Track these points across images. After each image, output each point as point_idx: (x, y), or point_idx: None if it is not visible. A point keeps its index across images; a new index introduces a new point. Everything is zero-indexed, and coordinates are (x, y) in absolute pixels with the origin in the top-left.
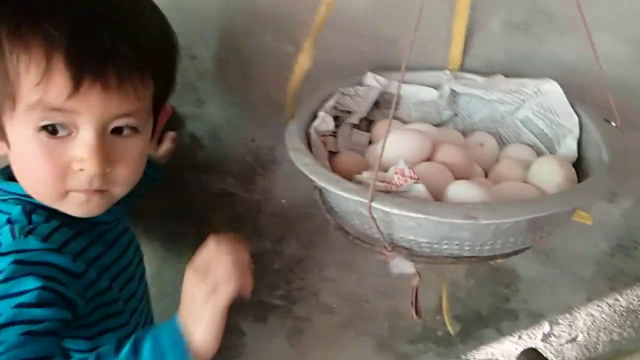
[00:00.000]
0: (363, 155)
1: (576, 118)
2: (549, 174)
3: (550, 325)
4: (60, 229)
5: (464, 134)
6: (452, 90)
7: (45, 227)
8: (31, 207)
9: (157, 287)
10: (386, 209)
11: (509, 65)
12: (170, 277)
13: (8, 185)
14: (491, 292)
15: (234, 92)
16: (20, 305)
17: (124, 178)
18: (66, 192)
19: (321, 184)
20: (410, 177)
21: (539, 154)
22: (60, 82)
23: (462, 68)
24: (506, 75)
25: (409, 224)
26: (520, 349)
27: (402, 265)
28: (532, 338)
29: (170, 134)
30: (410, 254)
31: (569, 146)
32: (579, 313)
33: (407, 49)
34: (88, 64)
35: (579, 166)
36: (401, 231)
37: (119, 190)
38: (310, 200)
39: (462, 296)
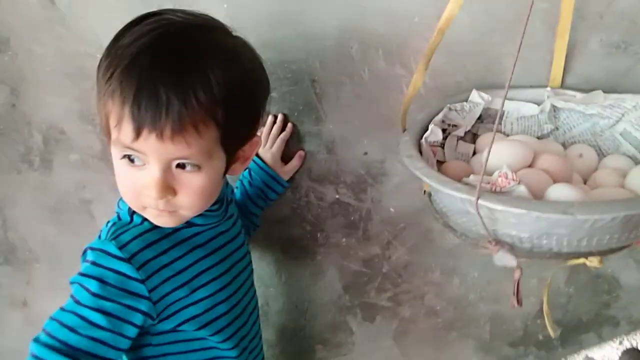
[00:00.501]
0: (468, 164)
1: None
2: None
3: None
4: (142, 236)
5: (564, 146)
6: (553, 106)
7: (127, 235)
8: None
9: (274, 288)
10: (490, 205)
11: (607, 83)
12: (285, 279)
13: None
14: (592, 298)
15: (349, 111)
16: (78, 302)
17: (188, 205)
18: (143, 207)
19: (433, 184)
20: (513, 180)
21: (638, 164)
22: (127, 129)
23: (563, 85)
24: (605, 92)
25: (512, 220)
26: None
27: (505, 259)
28: (634, 344)
29: (300, 153)
30: (513, 248)
31: None
32: None
33: (510, 68)
34: (145, 118)
35: None
36: (504, 227)
37: (187, 213)
38: (416, 209)
39: (562, 302)
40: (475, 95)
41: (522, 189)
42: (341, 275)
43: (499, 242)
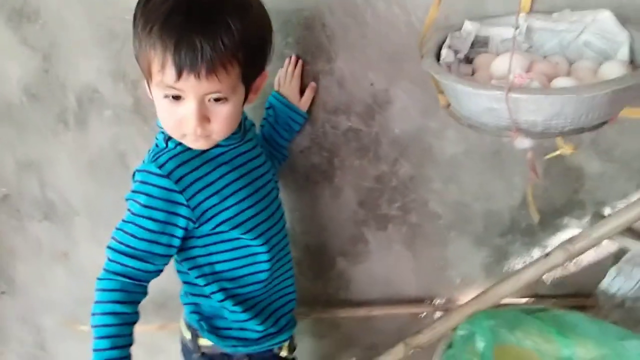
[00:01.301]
0: None
1: (627, 33)
2: (614, 72)
3: (611, 210)
4: (176, 157)
5: None
6: (528, 27)
7: (164, 157)
8: (168, 136)
9: (298, 211)
10: (519, 95)
11: (567, 6)
12: (308, 201)
13: (159, 122)
14: (563, 187)
15: (356, 49)
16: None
17: (218, 129)
18: (183, 135)
19: (470, 89)
20: (528, 78)
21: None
22: (170, 72)
23: (532, 11)
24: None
25: (531, 107)
26: None
27: (524, 142)
28: None
29: (312, 85)
30: (529, 133)
31: (623, 53)
32: (633, 198)
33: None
34: (185, 63)
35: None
36: (525, 114)
37: (217, 137)
38: (418, 129)
39: (540, 193)
40: (467, 25)
41: (536, 83)
42: (356, 193)
43: (518, 129)
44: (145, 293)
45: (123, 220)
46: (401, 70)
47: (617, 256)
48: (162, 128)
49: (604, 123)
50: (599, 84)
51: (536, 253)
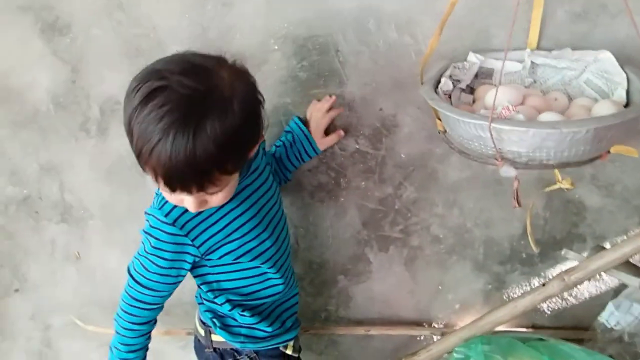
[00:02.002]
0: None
1: (624, 75)
2: (605, 110)
3: (611, 245)
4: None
5: (542, 94)
6: (532, 63)
7: (169, 205)
8: None
9: (302, 228)
10: (501, 126)
11: (572, 44)
12: (313, 219)
13: None
14: (564, 220)
15: (367, 75)
16: (145, 251)
17: (217, 204)
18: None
19: (455, 116)
20: (513, 110)
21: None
22: (165, 189)
23: (538, 47)
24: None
25: (514, 138)
26: None
27: (508, 171)
28: None
29: (339, 132)
30: (514, 162)
31: (619, 94)
32: (632, 233)
33: (496, 35)
34: (176, 185)
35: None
36: (508, 145)
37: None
38: (423, 154)
39: (541, 224)
40: (472, 56)
41: (520, 116)
42: (360, 213)
43: (504, 158)
44: (160, 309)
45: (139, 253)
46: (409, 96)
47: (617, 291)
48: None
49: (595, 158)
50: (581, 120)
51: (535, 283)
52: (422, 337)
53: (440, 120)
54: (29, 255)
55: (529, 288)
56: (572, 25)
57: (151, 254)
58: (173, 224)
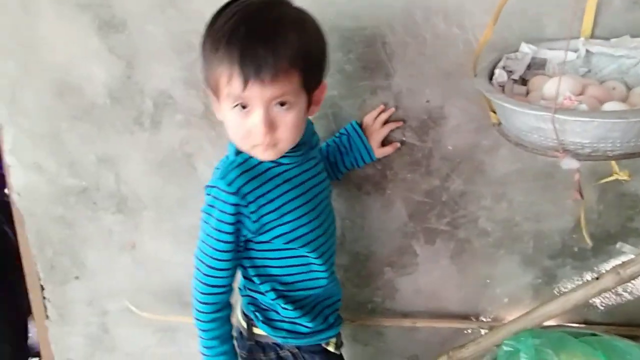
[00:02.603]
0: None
1: None
2: None
3: None
4: (244, 174)
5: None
6: (587, 52)
7: (232, 174)
8: (239, 150)
9: (349, 219)
10: (565, 117)
11: (628, 32)
12: (359, 211)
13: None
14: (618, 214)
15: (413, 67)
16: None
17: (285, 137)
18: (252, 147)
19: (516, 108)
20: (575, 101)
21: None
22: (237, 82)
23: (593, 37)
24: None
25: (577, 129)
26: None
27: (571, 163)
28: None
29: (395, 144)
30: (576, 154)
31: None
32: None
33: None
34: (251, 72)
35: None
36: (571, 136)
37: (284, 145)
38: (470, 146)
39: (594, 218)
40: (524, 47)
41: (583, 106)
42: (406, 206)
43: (565, 150)
44: (232, 289)
45: (203, 238)
46: (457, 87)
47: None
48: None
49: None
50: None
51: (588, 278)
52: (469, 331)
53: (494, 112)
54: (87, 244)
55: (580, 282)
56: (628, 13)
57: (216, 230)
58: (236, 193)
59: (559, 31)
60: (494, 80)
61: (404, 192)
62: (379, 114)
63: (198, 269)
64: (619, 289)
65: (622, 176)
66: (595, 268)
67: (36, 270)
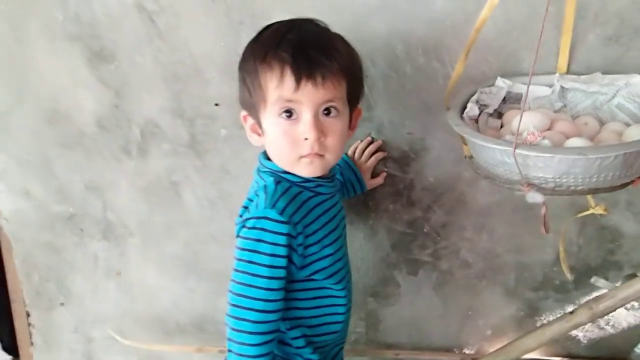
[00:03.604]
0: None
1: None
2: (638, 135)
3: None
4: (292, 203)
5: (572, 118)
6: (562, 87)
7: (281, 202)
8: (278, 179)
9: None
10: (525, 152)
11: (603, 68)
12: None
13: (266, 162)
14: (599, 247)
15: (395, 99)
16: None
17: (333, 146)
18: (298, 158)
19: (479, 142)
20: (539, 136)
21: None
22: (289, 83)
23: (568, 72)
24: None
25: (539, 164)
26: None
27: (535, 197)
28: None
29: (383, 174)
30: (540, 188)
31: None
32: None
33: (525, 59)
34: (303, 71)
35: None
36: (534, 171)
37: (331, 157)
38: (452, 177)
39: (574, 251)
40: (499, 81)
41: (546, 142)
42: (389, 236)
43: (530, 184)
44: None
45: (251, 275)
46: (437, 120)
47: None
48: (267, 169)
49: (627, 184)
50: (609, 146)
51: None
52: None
53: (466, 145)
54: (73, 270)
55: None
56: (604, 49)
57: (267, 267)
58: (289, 222)
59: (536, 66)
60: (465, 114)
61: (387, 223)
62: (367, 146)
63: (245, 319)
64: (601, 322)
65: (598, 210)
66: (577, 301)
67: (22, 297)
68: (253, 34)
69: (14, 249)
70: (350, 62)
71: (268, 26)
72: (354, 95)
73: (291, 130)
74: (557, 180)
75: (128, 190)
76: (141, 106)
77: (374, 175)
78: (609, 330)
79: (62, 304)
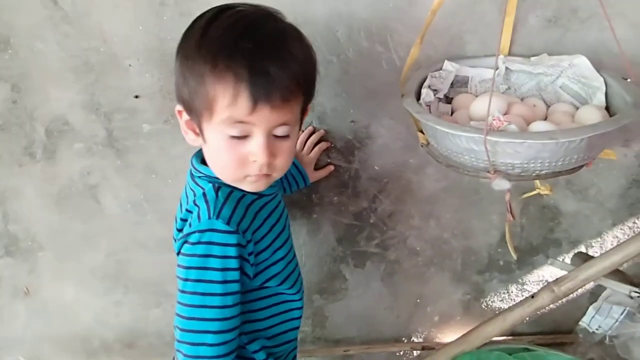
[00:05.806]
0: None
1: (602, 79)
2: (591, 116)
3: (586, 248)
4: (237, 209)
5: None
6: (507, 69)
7: (226, 211)
8: (218, 185)
9: None
10: (496, 139)
11: (544, 50)
12: None
13: (202, 167)
14: (540, 226)
15: (338, 86)
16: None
17: (281, 166)
18: (244, 176)
19: (445, 129)
20: (505, 121)
21: (577, 108)
22: (243, 104)
23: (510, 53)
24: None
25: (509, 150)
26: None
27: (502, 183)
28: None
29: (330, 167)
30: (507, 174)
31: (599, 98)
32: (607, 236)
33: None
34: (261, 93)
35: (609, 113)
36: (502, 157)
37: (277, 175)
38: (397, 166)
39: (517, 231)
40: (447, 65)
41: (513, 127)
42: (334, 230)
43: (497, 171)
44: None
45: (202, 295)
46: (382, 107)
47: (593, 293)
48: (203, 174)
49: (581, 166)
50: (577, 129)
51: (514, 290)
52: (401, 353)
53: (422, 132)
54: None
55: (507, 296)
56: (544, 31)
57: (220, 283)
58: (237, 231)
59: (480, 48)
60: (421, 100)
61: (332, 216)
62: (309, 136)
63: (202, 343)
64: None
65: (544, 190)
66: (520, 280)
67: None
68: (177, 17)
69: None
70: (307, 67)
71: (214, 15)
72: (308, 101)
73: (239, 148)
74: (525, 165)
75: (34, 198)
76: (46, 101)
77: (318, 167)
78: (550, 305)
79: None
